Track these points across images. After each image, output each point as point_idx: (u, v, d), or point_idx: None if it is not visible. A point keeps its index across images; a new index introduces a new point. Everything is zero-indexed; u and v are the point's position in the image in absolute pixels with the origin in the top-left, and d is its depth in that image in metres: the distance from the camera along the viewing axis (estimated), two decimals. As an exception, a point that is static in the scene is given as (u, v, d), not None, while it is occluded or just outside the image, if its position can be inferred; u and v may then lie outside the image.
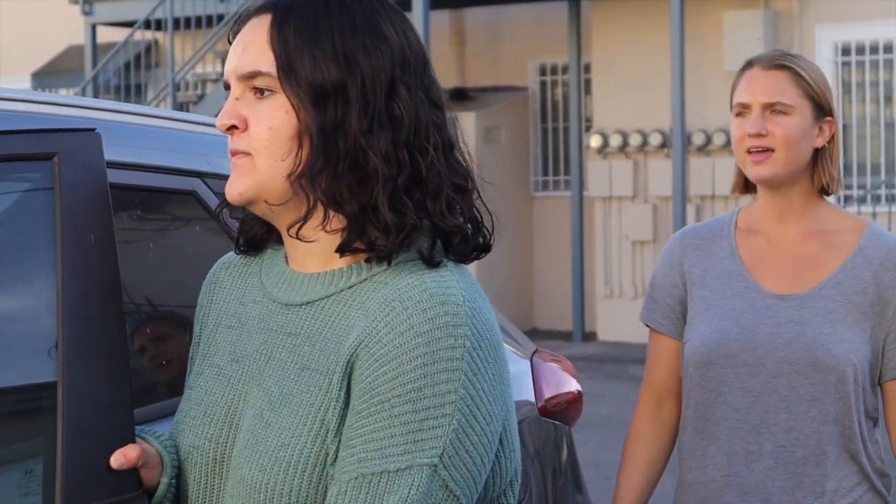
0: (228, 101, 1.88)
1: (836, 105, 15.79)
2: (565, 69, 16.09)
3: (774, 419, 2.91)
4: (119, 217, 2.61)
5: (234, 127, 1.86)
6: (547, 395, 3.36)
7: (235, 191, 1.87)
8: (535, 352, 3.45)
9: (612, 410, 10.37)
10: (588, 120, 15.82)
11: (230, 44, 1.91)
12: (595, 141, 15.12)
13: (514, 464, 1.86)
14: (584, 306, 15.09)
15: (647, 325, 3.12)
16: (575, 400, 3.50)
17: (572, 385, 3.51)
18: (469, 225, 1.87)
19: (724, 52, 14.15)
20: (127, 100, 16.21)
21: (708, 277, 3.02)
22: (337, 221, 1.84)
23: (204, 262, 2.10)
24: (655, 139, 14.81)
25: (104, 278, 2.03)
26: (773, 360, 2.91)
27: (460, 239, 1.85)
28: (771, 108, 2.94)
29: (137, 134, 2.59)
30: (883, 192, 14.27)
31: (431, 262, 1.82)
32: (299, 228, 1.84)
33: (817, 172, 2.97)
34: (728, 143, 14.49)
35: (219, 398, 1.92)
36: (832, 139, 2.98)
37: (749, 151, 2.94)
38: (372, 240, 1.82)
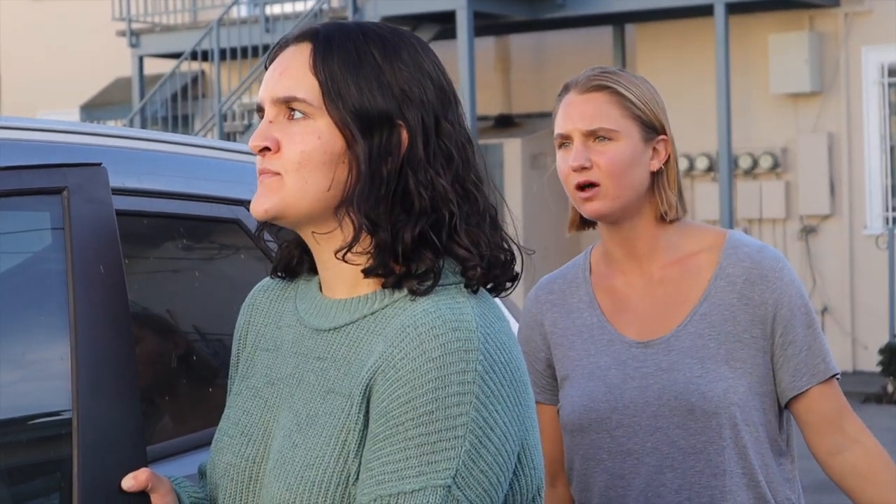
0: (262, 123, 1.93)
1: (882, 126, 15.56)
2: (610, 94, 16.08)
3: (661, 480, 2.57)
4: (165, 246, 2.65)
5: (266, 149, 1.91)
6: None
7: (262, 207, 1.91)
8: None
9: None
10: (634, 144, 15.79)
11: (266, 70, 1.96)
12: (641, 165, 15.09)
13: (535, 481, 1.89)
14: (632, 331, 15.03)
15: None
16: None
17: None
18: (504, 256, 1.92)
19: (769, 75, 14.11)
20: (174, 131, 16.32)
21: (570, 335, 2.69)
22: (366, 244, 1.88)
23: (248, 290, 2.14)
24: (702, 163, 14.78)
25: (115, 307, 2.09)
26: (646, 416, 2.58)
27: (500, 270, 1.90)
28: (593, 135, 2.60)
29: (183, 164, 2.63)
30: (932, 213, 14.18)
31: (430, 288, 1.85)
32: (345, 254, 1.89)
33: (655, 199, 2.63)
34: (776, 166, 14.45)
35: (256, 419, 1.97)
36: (668, 160, 2.64)
37: (578, 187, 2.62)
38: (393, 268, 1.87)
